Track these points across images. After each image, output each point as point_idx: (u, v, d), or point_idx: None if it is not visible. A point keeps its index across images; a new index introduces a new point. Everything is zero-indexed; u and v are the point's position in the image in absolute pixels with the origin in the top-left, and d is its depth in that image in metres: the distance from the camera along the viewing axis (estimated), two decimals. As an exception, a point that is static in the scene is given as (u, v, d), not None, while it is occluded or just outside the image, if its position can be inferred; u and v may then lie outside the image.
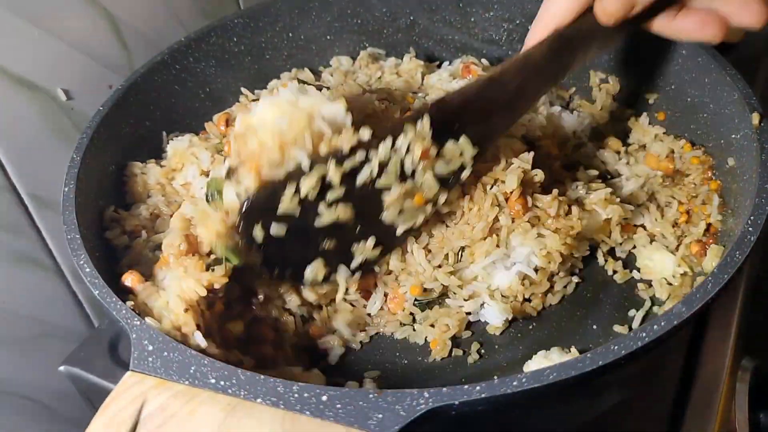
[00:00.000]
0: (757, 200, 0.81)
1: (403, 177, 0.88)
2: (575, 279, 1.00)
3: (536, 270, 0.95)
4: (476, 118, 0.92)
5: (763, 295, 1.14)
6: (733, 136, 0.96)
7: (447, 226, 0.97)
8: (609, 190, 1.01)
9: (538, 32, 0.92)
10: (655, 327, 0.69)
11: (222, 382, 0.68)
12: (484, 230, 0.94)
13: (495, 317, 0.96)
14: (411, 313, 0.97)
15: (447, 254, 0.96)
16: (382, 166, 0.87)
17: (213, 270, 0.85)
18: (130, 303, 0.79)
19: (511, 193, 0.95)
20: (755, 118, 0.90)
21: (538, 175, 0.97)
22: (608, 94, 1.21)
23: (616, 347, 0.68)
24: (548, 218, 0.95)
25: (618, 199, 1.01)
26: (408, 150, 0.87)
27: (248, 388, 0.67)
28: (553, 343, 0.92)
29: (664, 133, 1.13)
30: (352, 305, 0.98)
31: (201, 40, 1.20)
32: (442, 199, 0.92)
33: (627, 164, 1.12)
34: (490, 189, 0.95)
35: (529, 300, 0.97)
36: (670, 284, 0.97)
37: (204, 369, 0.69)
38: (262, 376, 0.68)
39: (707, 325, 1.01)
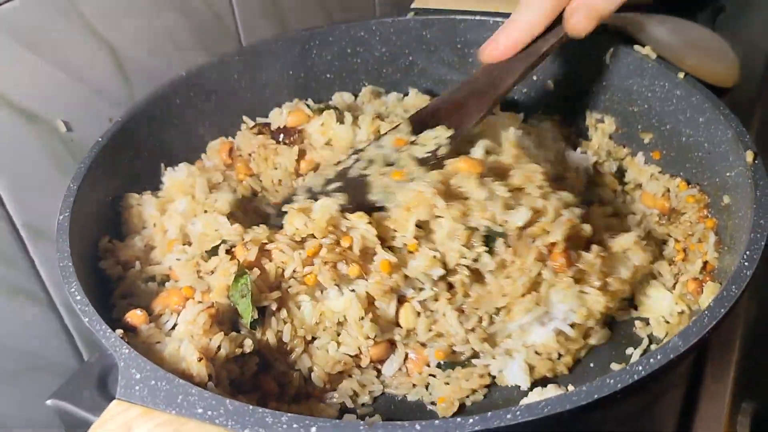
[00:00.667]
0: (753, 235, 0.80)
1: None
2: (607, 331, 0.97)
3: (572, 326, 0.92)
4: (449, 112, 1.04)
5: (761, 337, 1.12)
6: (728, 174, 0.96)
7: (486, 283, 0.92)
8: (636, 233, 0.98)
9: (514, 36, 1.03)
10: (651, 361, 0.68)
11: (210, 412, 0.67)
12: (525, 285, 0.89)
13: (521, 379, 0.91)
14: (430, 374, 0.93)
15: (481, 317, 0.92)
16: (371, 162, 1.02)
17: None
18: (119, 331, 0.77)
19: (554, 245, 0.90)
20: (749, 156, 0.91)
21: (586, 230, 0.94)
22: (604, 133, 1.22)
23: (612, 381, 0.67)
24: (592, 275, 0.91)
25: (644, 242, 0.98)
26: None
27: (236, 418, 0.66)
28: (550, 381, 0.90)
29: (659, 172, 1.14)
30: (359, 367, 0.94)
31: (202, 75, 1.21)
32: (421, 173, 0.96)
33: (623, 203, 1.13)
34: (533, 243, 0.91)
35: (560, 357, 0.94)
36: (667, 322, 0.96)
37: (191, 398, 0.68)
38: (251, 407, 0.66)
39: (705, 367, 1.00)
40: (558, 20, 1.02)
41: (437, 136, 1.01)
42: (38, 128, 1.10)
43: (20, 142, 1.07)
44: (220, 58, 1.24)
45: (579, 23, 0.98)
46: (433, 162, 0.99)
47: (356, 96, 1.34)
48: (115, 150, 1.06)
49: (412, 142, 1.02)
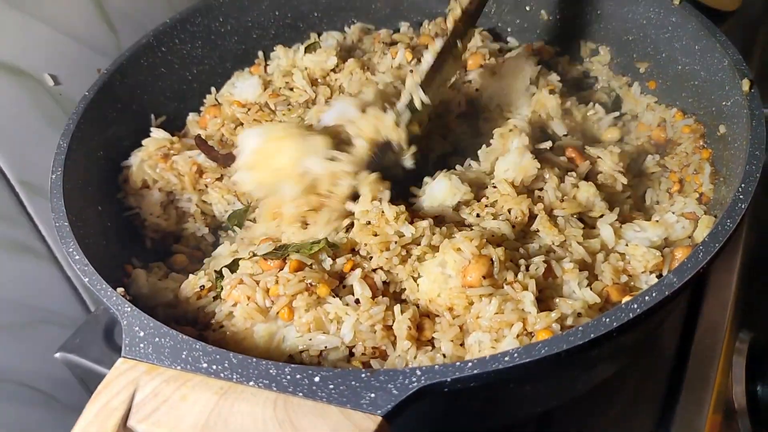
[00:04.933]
0: (748, 167, 0.80)
1: None
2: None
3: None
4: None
5: (760, 268, 1.13)
6: (724, 103, 0.95)
7: None
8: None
9: None
10: (647, 298, 0.69)
11: (214, 366, 0.68)
12: None
13: None
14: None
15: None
16: None
17: None
18: (120, 290, 0.78)
19: None
20: (745, 84, 0.89)
21: None
22: (601, 65, 1.21)
23: (607, 320, 0.67)
24: None
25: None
26: None
27: (240, 371, 0.67)
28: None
29: (655, 102, 1.13)
30: None
31: (186, 21, 1.18)
32: None
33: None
34: None
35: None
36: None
37: (196, 353, 0.69)
38: (254, 359, 0.68)
39: (704, 298, 1.01)
40: None
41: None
42: (25, 83, 1.08)
43: (8, 99, 1.06)
44: (205, 2, 1.20)
45: None
46: None
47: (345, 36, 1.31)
48: (103, 103, 1.05)
49: None
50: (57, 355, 1.09)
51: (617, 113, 1.13)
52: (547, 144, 0.97)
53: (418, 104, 0.95)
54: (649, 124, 1.10)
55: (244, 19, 1.25)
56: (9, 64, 1.05)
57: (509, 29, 1.31)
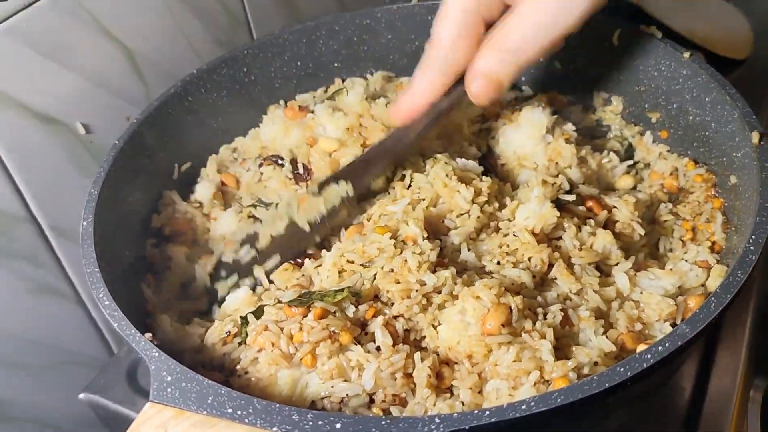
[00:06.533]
0: (758, 219, 0.82)
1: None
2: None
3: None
4: (357, 171, 1.04)
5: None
6: (735, 154, 0.98)
7: None
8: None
9: (409, 103, 1.01)
10: (660, 348, 0.71)
11: (239, 412, 0.70)
12: None
13: None
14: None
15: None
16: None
17: None
18: (148, 335, 0.81)
19: None
20: (755, 137, 0.92)
21: None
22: (614, 114, 1.24)
23: (621, 369, 0.69)
24: None
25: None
26: None
27: (264, 416, 0.69)
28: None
29: (668, 151, 1.15)
30: None
31: (212, 71, 1.23)
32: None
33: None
34: None
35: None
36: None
37: (221, 399, 0.71)
38: (278, 405, 0.70)
39: (718, 345, 1.02)
40: (461, 79, 0.99)
41: (339, 191, 1.03)
42: (58, 132, 1.13)
43: (41, 147, 1.11)
44: (229, 53, 1.25)
45: (479, 91, 0.95)
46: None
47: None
48: (132, 151, 1.08)
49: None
50: (81, 395, 1.11)
51: (630, 161, 1.16)
52: (571, 197, 1.00)
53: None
54: (661, 173, 1.12)
55: (267, 69, 1.29)
56: (42, 113, 1.10)
57: (523, 78, 1.34)
